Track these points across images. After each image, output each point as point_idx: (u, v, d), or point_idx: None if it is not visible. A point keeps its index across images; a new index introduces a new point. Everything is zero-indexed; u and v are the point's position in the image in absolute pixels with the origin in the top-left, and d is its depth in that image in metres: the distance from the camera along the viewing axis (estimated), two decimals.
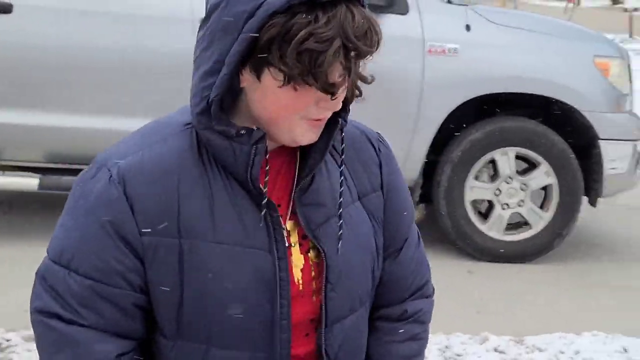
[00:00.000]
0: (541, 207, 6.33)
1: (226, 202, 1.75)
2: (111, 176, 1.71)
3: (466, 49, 6.23)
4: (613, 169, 6.33)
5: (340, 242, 1.82)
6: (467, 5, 6.55)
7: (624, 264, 6.58)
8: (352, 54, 1.61)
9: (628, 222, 7.73)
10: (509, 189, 6.24)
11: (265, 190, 1.74)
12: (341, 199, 1.84)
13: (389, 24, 5.86)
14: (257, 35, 1.61)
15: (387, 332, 2.01)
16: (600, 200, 6.55)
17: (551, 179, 6.24)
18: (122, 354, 1.76)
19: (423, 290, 2.05)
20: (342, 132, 1.82)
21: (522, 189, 6.27)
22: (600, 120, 6.23)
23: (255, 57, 1.63)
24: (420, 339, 2.05)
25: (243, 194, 1.75)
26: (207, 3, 1.72)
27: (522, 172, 6.30)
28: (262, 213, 1.75)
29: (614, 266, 6.48)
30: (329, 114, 1.72)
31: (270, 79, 1.64)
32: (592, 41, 6.63)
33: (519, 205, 6.29)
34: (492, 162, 6.23)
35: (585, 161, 6.33)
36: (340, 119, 1.79)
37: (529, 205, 6.26)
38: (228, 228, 1.74)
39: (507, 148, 6.15)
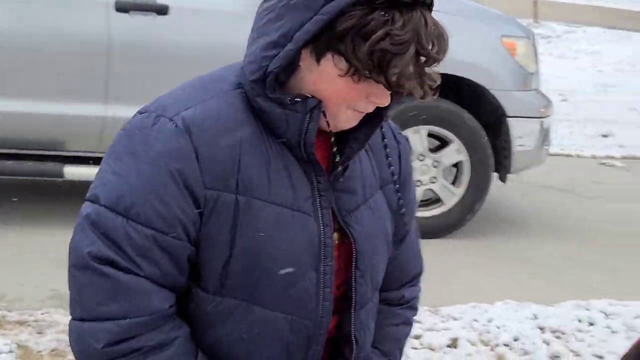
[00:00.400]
0: (453, 183, 6.49)
1: (279, 165, 1.75)
2: (176, 125, 1.70)
3: None
4: (521, 145, 6.51)
5: (367, 230, 1.86)
6: None
7: (533, 237, 6.80)
8: (423, 59, 1.62)
9: (535, 198, 7.98)
10: (421, 166, 6.36)
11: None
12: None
13: None
14: (333, 20, 1.61)
15: (386, 316, 2.07)
16: (509, 176, 6.74)
17: (462, 156, 6.39)
18: (171, 306, 1.75)
19: (419, 278, 2.12)
20: (382, 128, 1.86)
21: (434, 166, 6.40)
22: (508, 98, 6.40)
23: (322, 40, 1.64)
24: (411, 323, 2.13)
25: (293, 160, 1.76)
26: None
27: (434, 150, 6.43)
28: (315, 180, 1.78)
29: (524, 240, 6.70)
30: (373, 108, 1.74)
31: (332, 65, 1.66)
32: (499, 22, 6.79)
33: (432, 182, 6.43)
34: None
35: (494, 138, 6.49)
36: (384, 114, 1.80)
37: (441, 181, 6.40)
38: (281, 190, 1.75)
39: (419, 126, 6.26)
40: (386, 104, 1.73)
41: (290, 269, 1.76)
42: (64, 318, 4.60)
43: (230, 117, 1.73)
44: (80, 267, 1.71)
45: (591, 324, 5.03)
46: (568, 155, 9.94)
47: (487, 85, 6.35)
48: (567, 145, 10.32)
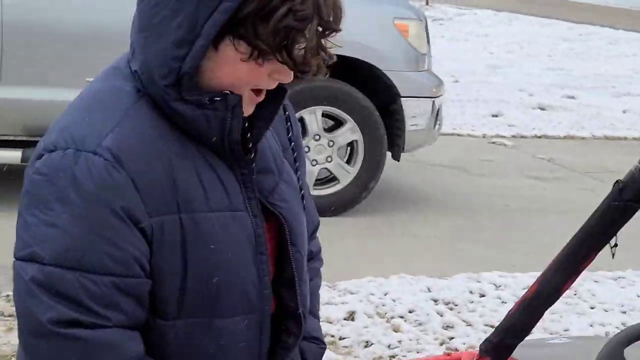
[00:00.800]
0: (348, 162, 6.63)
1: (208, 170, 1.69)
2: (106, 159, 1.57)
3: None
4: (414, 125, 6.70)
5: (289, 204, 1.82)
6: None
7: (425, 214, 7.00)
8: (325, 32, 1.58)
9: (428, 176, 8.18)
10: (316, 145, 6.50)
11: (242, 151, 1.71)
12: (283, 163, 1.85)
13: None
14: (237, 6, 1.54)
15: None
16: (403, 155, 6.93)
17: (356, 135, 6.54)
18: (142, 347, 1.65)
19: (317, 230, 2.09)
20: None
21: (329, 146, 6.54)
22: (400, 78, 6.56)
23: (222, 28, 1.56)
24: (321, 276, 2.10)
25: (217, 159, 1.69)
26: None
27: (329, 130, 6.57)
28: (239, 173, 1.71)
29: (417, 216, 6.89)
30: (275, 85, 1.67)
31: (232, 50, 1.58)
32: (392, 4, 6.94)
33: (327, 161, 6.57)
34: (301, 120, 6.43)
35: (388, 118, 6.66)
36: (285, 87, 1.73)
37: (337, 160, 6.54)
38: (216, 195, 1.69)
39: (314, 107, 6.40)
40: (289, 81, 1.66)
41: (239, 273, 1.72)
42: None
43: (151, 133, 1.63)
44: (42, 336, 1.58)
45: (482, 295, 5.27)
46: (459, 135, 10.17)
47: (380, 66, 6.50)
48: (459, 124, 10.56)
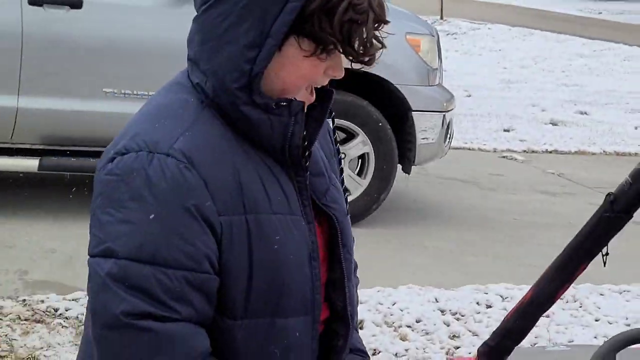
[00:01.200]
0: (359, 174, 6.70)
1: (269, 173, 1.75)
2: (178, 160, 1.65)
3: None
4: (424, 139, 6.75)
5: (342, 206, 1.88)
6: None
7: (435, 226, 7.07)
8: (378, 24, 1.66)
9: (438, 190, 8.25)
10: None
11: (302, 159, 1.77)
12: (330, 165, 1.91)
13: None
14: (303, 4, 1.62)
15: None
16: (413, 168, 7.00)
17: (367, 148, 6.61)
18: (209, 345, 1.71)
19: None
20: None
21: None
22: (412, 92, 6.63)
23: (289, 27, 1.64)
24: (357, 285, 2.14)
25: (275, 164, 1.75)
26: None
27: (341, 142, 6.55)
28: (294, 177, 1.77)
29: (426, 228, 6.97)
30: (327, 82, 1.75)
31: (296, 49, 1.65)
32: (404, 19, 6.97)
33: None
34: None
35: (399, 131, 6.73)
36: (333, 90, 1.81)
37: (348, 172, 6.55)
38: (277, 199, 1.75)
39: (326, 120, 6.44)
40: (342, 76, 1.73)
41: (298, 275, 1.78)
42: None
43: (217, 138, 1.71)
44: (115, 327, 1.63)
45: (489, 307, 5.36)
46: (471, 149, 10.22)
47: (392, 80, 6.56)
48: (470, 139, 10.61)
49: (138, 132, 1.69)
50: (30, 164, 6.26)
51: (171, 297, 1.62)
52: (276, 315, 1.75)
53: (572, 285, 5.91)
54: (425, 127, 6.76)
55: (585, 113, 13.06)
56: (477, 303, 5.31)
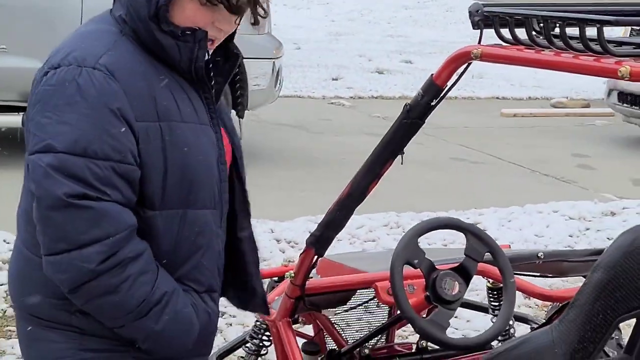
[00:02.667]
0: None
1: (179, 89, 2.04)
2: (103, 72, 1.94)
3: None
4: (256, 85, 7.07)
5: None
6: None
7: (269, 168, 7.32)
8: None
9: (270, 134, 8.58)
10: None
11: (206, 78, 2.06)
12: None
13: None
14: None
15: None
16: (247, 115, 7.29)
17: None
18: (135, 220, 1.98)
19: None
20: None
21: None
22: (242, 40, 6.92)
23: None
24: None
25: (185, 82, 2.05)
26: None
27: None
28: (202, 93, 2.06)
29: (260, 170, 7.03)
30: (221, 37, 2.03)
31: None
32: None
33: None
34: None
35: (231, 79, 7.05)
36: (239, 52, 2.18)
37: None
38: (187, 110, 2.04)
39: None
40: (231, 30, 2.04)
41: (206, 172, 2.06)
42: None
43: (135, 58, 2.00)
44: (58, 207, 1.91)
45: None
46: (300, 97, 10.61)
47: None
48: (300, 88, 11.00)
49: (68, 51, 1.97)
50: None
51: (101, 182, 1.91)
52: (188, 207, 2.04)
53: (396, 213, 6.45)
54: (256, 74, 7.05)
55: (410, 62, 13.61)
56: (309, 231, 5.75)
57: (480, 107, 10.74)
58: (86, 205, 1.91)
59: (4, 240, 5.49)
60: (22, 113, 6.52)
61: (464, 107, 10.59)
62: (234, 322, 4.64)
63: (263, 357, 3.37)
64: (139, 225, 1.99)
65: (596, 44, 2.01)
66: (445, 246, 5.58)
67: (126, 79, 1.96)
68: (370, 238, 5.74)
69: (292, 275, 2.87)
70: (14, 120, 6.72)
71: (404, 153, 2.64)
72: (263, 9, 2.08)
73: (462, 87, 11.35)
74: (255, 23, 2.09)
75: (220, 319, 4.49)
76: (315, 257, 2.78)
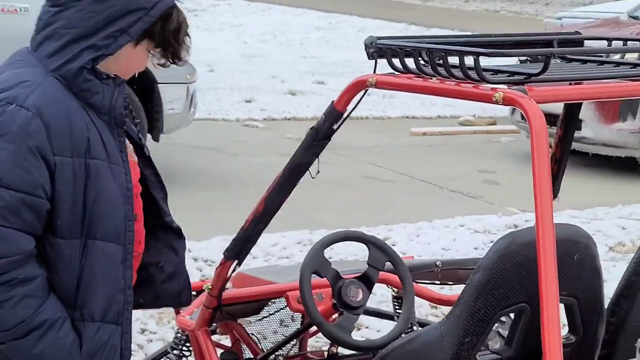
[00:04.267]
0: None
1: (94, 129, 2.18)
2: (29, 111, 2.09)
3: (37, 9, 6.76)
4: (171, 109, 7.23)
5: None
6: None
7: (184, 189, 7.32)
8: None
9: (185, 156, 8.70)
10: None
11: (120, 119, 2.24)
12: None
13: None
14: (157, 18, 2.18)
15: None
16: (162, 138, 7.43)
17: None
18: (34, 248, 2.10)
19: None
20: None
21: None
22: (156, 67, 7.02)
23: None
24: None
25: (102, 123, 2.20)
26: None
27: None
28: (116, 135, 2.23)
29: (176, 192, 6.81)
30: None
31: (130, 47, 2.19)
32: None
33: None
34: None
35: (147, 103, 7.10)
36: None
37: None
38: (97, 148, 2.18)
39: None
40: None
41: (113, 209, 2.21)
42: None
43: (61, 98, 2.15)
44: None
45: None
46: (215, 119, 10.70)
47: None
48: (214, 110, 11.08)
49: (6, 86, 2.15)
50: None
51: (7, 210, 2.06)
52: (90, 237, 2.18)
53: (309, 230, 6.58)
54: (171, 98, 7.19)
55: (323, 82, 13.74)
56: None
57: (390, 127, 10.92)
58: None
59: None
60: None
61: (375, 127, 10.78)
62: (154, 338, 4.75)
63: None
64: (47, 251, 2.15)
65: (474, 73, 2.24)
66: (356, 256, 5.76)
67: (49, 117, 2.11)
68: (284, 255, 5.92)
69: (209, 287, 3.04)
70: None
71: (318, 172, 2.80)
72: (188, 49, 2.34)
73: (373, 107, 11.65)
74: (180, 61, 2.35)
75: (140, 335, 4.68)
76: (232, 268, 2.97)
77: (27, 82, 2.15)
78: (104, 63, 2.20)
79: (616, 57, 2.72)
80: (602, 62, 2.59)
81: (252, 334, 3.40)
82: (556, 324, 1.98)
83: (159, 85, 7.16)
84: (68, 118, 2.15)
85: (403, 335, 3.29)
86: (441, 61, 2.31)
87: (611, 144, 8.48)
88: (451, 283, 3.57)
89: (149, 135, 7.34)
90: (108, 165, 2.21)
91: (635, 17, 9.74)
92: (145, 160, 2.46)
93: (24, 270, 2.10)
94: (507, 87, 2.24)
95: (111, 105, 2.22)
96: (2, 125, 2.09)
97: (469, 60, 2.26)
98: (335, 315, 2.86)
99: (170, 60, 2.31)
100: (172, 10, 2.24)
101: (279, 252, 5.97)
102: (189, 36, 2.32)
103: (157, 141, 7.45)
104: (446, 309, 4.38)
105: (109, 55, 2.17)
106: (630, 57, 2.87)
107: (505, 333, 2.33)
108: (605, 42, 2.70)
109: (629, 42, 2.73)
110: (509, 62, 3.57)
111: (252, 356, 3.32)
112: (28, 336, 2.14)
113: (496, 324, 2.30)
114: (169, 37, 2.25)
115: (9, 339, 2.14)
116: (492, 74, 2.31)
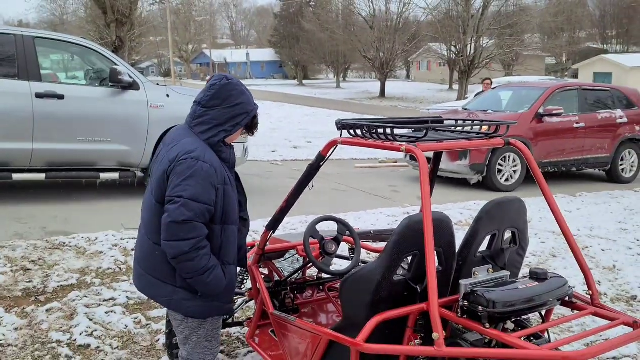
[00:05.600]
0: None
1: (228, 171, 2.21)
2: (207, 163, 2.09)
3: (168, 105, 6.39)
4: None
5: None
6: (165, 85, 6.87)
7: (248, 196, 7.28)
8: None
9: (246, 179, 8.36)
10: None
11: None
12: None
13: (132, 94, 6.27)
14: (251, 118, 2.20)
15: None
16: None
17: None
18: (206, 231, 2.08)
19: None
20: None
21: None
22: None
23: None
24: None
25: (226, 166, 2.22)
26: (213, 92, 2.16)
27: None
28: (232, 173, 2.24)
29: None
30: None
31: (239, 131, 2.23)
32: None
33: None
34: None
35: None
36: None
37: None
38: (227, 180, 2.19)
39: None
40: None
41: (234, 210, 2.23)
42: None
43: (214, 156, 2.16)
44: (177, 224, 2.03)
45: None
46: (256, 160, 10.28)
47: None
48: (255, 155, 10.65)
49: (190, 147, 2.15)
50: (40, 176, 6.15)
51: (199, 214, 2.08)
52: (226, 224, 2.20)
53: (305, 216, 6.45)
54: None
55: (310, 142, 13.35)
56: (264, 225, 5.74)
57: (345, 164, 10.72)
58: (192, 223, 2.07)
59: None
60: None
61: (337, 163, 10.60)
62: None
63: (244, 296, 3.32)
64: (209, 232, 2.13)
65: (390, 136, 2.26)
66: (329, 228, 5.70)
67: (214, 165, 2.13)
68: (293, 228, 5.77)
69: (258, 244, 2.99)
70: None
71: (313, 186, 2.79)
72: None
73: (336, 155, 11.52)
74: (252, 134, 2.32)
75: None
76: (269, 235, 2.89)
77: (199, 147, 2.14)
78: (227, 139, 2.23)
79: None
80: (452, 131, 2.60)
81: (280, 268, 3.35)
82: (432, 261, 1.99)
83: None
84: (217, 165, 2.16)
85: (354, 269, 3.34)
86: (374, 130, 2.32)
87: (454, 172, 8.43)
88: (378, 241, 3.51)
89: None
90: (231, 187, 2.21)
91: (465, 109, 9.80)
92: (239, 183, 2.44)
93: (204, 242, 2.08)
94: (407, 144, 2.23)
95: (230, 158, 2.26)
96: (197, 171, 2.08)
97: (388, 130, 2.27)
98: (321, 259, 2.83)
99: (249, 135, 2.35)
100: (256, 113, 2.27)
101: (291, 226, 5.82)
102: (258, 123, 2.32)
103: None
104: (375, 255, 4.43)
105: (230, 135, 2.21)
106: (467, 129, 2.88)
107: (406, 266, 2.28)
108: (453, 122, 2.69)
109: (466, 122, 2.74)
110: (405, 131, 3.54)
111: (278, 278, 3.25)
112: (206, 273, 2.11)
113: (402, 262, 2.25)
114: (253, 125, 2.28)
115: (196, 275, 2.10)
116: (399, 137, 2.31)
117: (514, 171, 8.44)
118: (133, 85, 6.27)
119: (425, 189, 2.09)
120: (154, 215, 2.17)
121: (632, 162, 9.40)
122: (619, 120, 9.18)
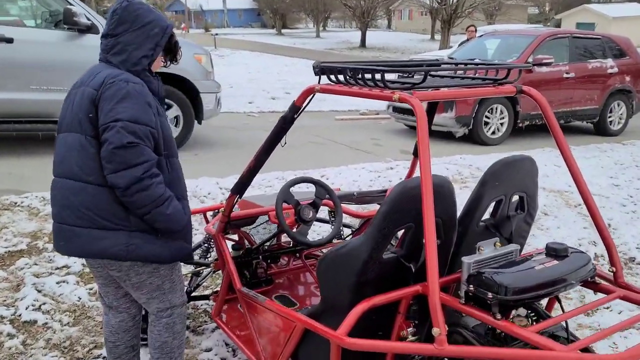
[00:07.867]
0: (175, 125, 6.59)
1: (155, 101, 2.02)
2: (137, 84, 1.93)
3: None
4: (207, 107, 6.72)
5: None
6: None
7: (215, 150, 6.94)
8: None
9: (217, 132, 8.14)
10: None
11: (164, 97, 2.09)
12: None
13: (90, 39, 5.86)
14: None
15: None
16: (203, 122, 6.90)
17: (179, 112, 6.55)
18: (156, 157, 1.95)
19: None
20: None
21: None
22: (199, 83, 6.58)
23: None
24: None
25: (155, 99, 2.02)
26: (117, 17, 1.98)
27: (165, 109, 6.44)
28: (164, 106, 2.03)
29: (211, 151, 6.87)
30: None
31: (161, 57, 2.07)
32: (192, 46, 6.86)
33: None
34: None
35: (194, 103, 6.63)
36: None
37: (170, 125, 6.48)
38: (164, 114, 2.05)
39: None
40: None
41: (174, 144, 2.08)
42: None
43: (144, 84, 1.99)
44: (123, 147, 1.87)
45: None
46: (231, 112, 10.09)
47: (189, 77, 6.49)
48: (230, 107, 10.52)
49: (117, 74, 1.95)
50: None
51: (143, 137, 1.89)
52: (170, 156, 2.04)
53: (281, 172, 6.17)
54: (207, 101, 6.68)
55: (289, 92, 13.05)
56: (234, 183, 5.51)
57: (324, 115, 10.41)
58: (137, 145, 1.87)
59: None
60: None
61: (315, 115, 10.27)
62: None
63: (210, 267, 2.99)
64: (159, 164, 1.97)
65: (380, 82, 1.86)
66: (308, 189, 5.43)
67: (145, 88, 1.97)
68: (268, 185, 5.44)
69: (223, 211, 2.64)
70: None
71: (285, 143, 2.43)
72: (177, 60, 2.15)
73: (314, 105, 11.15)
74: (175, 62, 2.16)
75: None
76: (235, 200, 2.53)
77: (125, 73, 1.98)
78: (152, 66, 2.06)
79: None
80: (451, 77, 2.20)
81: (251, 235, 3.05)
82: (433, 232, 1.64)
83: (200, 93, 6.63)
84: (149, 92, 2.01)
85: (335, 239, 3.03)
86: (360, 75, 1.92)
87: (440, 124, 8.13)
88: (361, 204, 3.21)
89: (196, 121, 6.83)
90: (165, 120, 2.06)
91: (451, 58, 9.33)
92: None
93: (156, 170, 1.94)
94: (400, 91, 1.84)
95: (158, 90, 2.07)
96: (129, 92, 1.91)
97: (378, 75, 1.87)
98: (297, 226, 2.50)
99: (173, 63, 2.15)
100: (173, 32, 2.10)
101: (266, 183, 5.49)
102: (180, 48, 2.14)
103: (200, 124, 6.97)
104: (356, 220, 4.11)
105: (152, 59, 2.03)
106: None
107: (397, 241, 1.93)
108: (452, 65, 2.36)
109: (468, 65, 2.34)
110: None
111: (249, 246, 2.96)
112: (165, 203, 1.95)
113: (394, 237, 1.89)
114: (174, 49, 2.11)
115: (154, 207, 1.93)
116: (391, 84, 1.92)
117: (501, 124, 8.15)
118: (92, 29, 5.95)
119: (424, 147, 1.68)
120: (88, 151, 1.93)
121: (621, 114, 9.17)
122: (609, 71, 8.88)
